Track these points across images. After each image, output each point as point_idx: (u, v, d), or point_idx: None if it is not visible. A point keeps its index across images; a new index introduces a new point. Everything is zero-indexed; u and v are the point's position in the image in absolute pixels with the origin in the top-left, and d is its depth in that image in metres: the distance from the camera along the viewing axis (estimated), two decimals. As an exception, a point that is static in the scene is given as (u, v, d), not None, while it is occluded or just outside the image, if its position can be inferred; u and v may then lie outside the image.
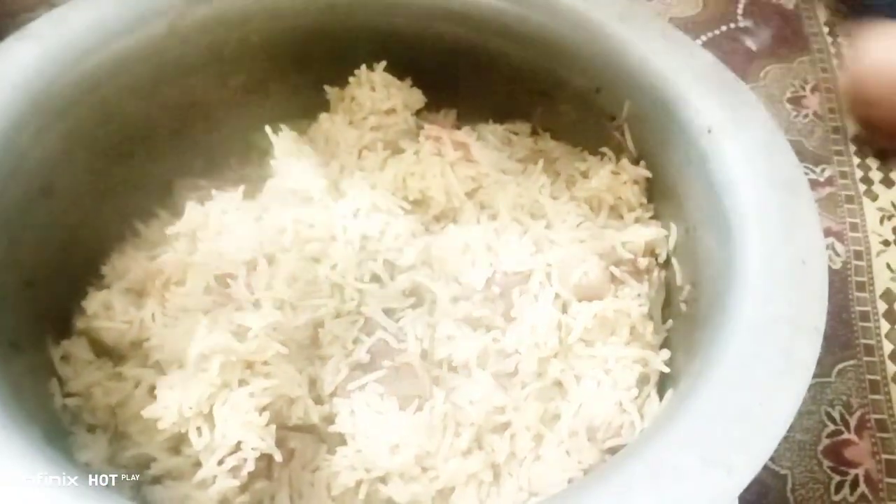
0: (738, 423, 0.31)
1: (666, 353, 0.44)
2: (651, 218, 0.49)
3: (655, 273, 0.46)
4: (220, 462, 0.39)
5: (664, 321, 0.47)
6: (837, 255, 0.65)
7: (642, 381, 0.43)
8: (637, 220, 0.49)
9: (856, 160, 0.72)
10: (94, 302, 0.45)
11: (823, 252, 0.37)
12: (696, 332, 0.40)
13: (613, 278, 0.45)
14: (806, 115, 0.75)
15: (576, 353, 0.44)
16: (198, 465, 0.41)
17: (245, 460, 0.39)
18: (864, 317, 0.61)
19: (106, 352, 0.46)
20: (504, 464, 0.42)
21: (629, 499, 0.29)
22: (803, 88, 0.77)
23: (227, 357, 0.40)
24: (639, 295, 0.45)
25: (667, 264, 0.48)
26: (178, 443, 0.42)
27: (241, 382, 0.41)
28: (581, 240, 0.46)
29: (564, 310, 0.45)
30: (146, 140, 0.51)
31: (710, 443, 0.31)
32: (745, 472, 0.30)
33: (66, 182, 0.46)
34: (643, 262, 0.45)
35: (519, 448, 0.42)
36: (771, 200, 0.40)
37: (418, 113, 0.55)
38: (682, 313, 0.45)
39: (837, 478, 0.53)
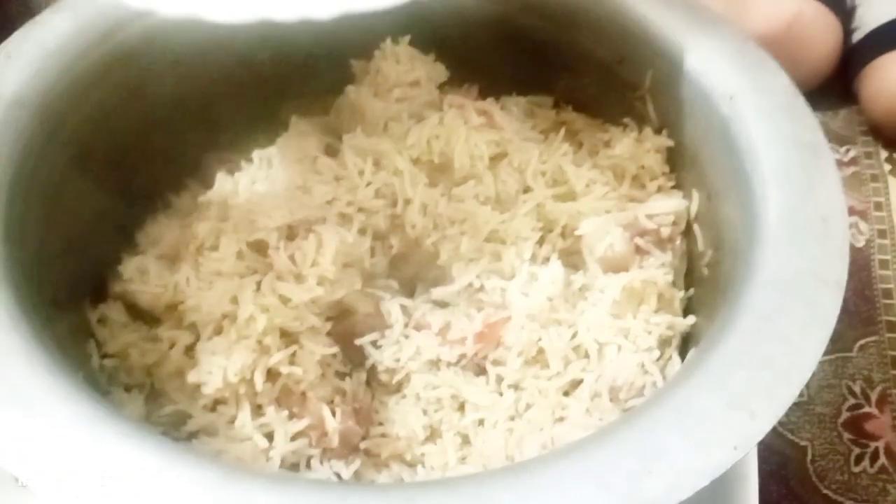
0: (762, 371, 0.32)
1: (692, 319, 0.45)
2: (673, 187, 0.50)
3: (678, 241, 0.46)
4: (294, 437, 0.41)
5: (686, 289, 0.48)
6: (861, 233, 0.66)
7: (664, 343, 0.44)
8: (659, 189, 0.50)
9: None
10: (129, 267, 0.47)
11: (844, 210, 0.38)
12: (719, 293, 0.41)
13: (638, 249, 0.46)
14: (831, 97, 0.76)
15: (605, 324, 0.44)
16: (232, 421, 0.42)
17: (326, 434, 0.40)
18: (887, 294, 0.63)
19: (140, 315, 0.47)
20: (527, 425, 0.43)
21: (654, 439, 0.30)
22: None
23: (271, 322, 0.41)
24: (663, 264, 0.46)
25: (688, 231, 0.48)
26: (215, 402, 0.43)
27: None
28: (607, 210, 0.47)
29: (592, 283, 0.46)
30: (176, 112, 0.52)
31: (734, 389, 0.32)
32: (769, 416, 0.31)
33: (102, 150, 0.48)
34: (666, 231, 0.46)
35: (539, 417, 0.43)
36: (792, 162, 0.40)
37: (441, 87, 0.56)
38: (704, 278, 0.46)
39: (857, 450, 0.54)
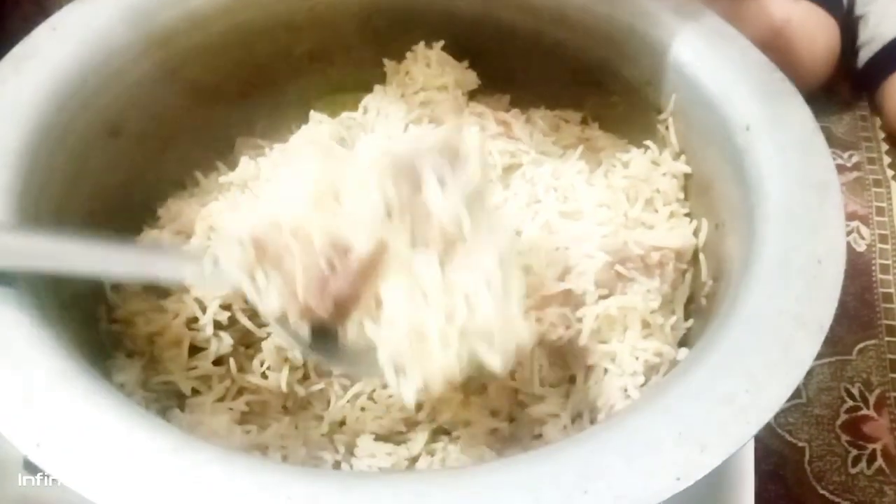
0: (722, 406, 0.31)
1: (684, 352, 0.44)
2: (686, 214, 0.49)
3: (670, 266, 0.45)
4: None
5: (686, 318, 0.47)
6: (862, 238, 0.67)
7: (651, 369, 0.43)
8: (672, 215, 0.49)
9: (884, 146, 0.74)
10: (146, 239, 0.49)
11: (842, 254, 0.37)
12: (709, 325, 0.40)
13: (620, 275, 0.45)
14: (836, 102, 0.77)
15: (590, 349, 0.44)
16: (219, 399, 0.44)
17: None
18: (888, 298, 0.63)
19: (153, 286, 0.49)
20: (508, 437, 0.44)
21: (598, 459, 0.30)
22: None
23: None
24: (648, 290, 0.45)
25: (695, 260, 0.48)
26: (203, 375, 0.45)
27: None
28: (603, 235, 0.46)
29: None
30: (212, 96, 0.55)
31: (689, 421, 0.31)
32: (719, 452, 0.30)
33: (133, 127, 0.50)
34: (655, 257, 0.45)
35: (519, 431, 0.43)
36: (797, 200, 0.39)
37: (472, 95, 0.56)
38: (702, 309, 0.45)
39: (855, 451, 0.55)
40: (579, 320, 0.43)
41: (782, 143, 0.42)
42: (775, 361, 0.33)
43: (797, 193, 0.39)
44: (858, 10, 0.79)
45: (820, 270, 0.36)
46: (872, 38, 0.77)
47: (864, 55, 0.78)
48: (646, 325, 0.43)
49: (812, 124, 0.43)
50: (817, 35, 0.72)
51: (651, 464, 0.30)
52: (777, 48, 0.67)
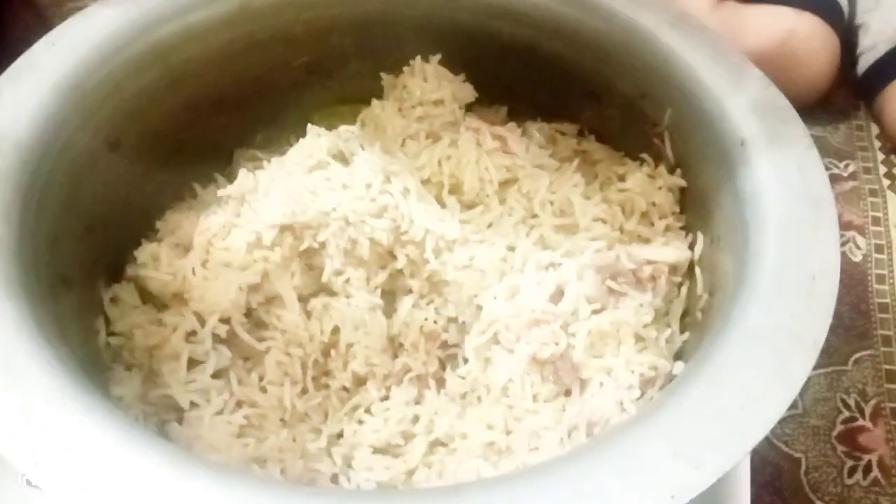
0: (716, 423, 0.32)
1: (680, 365, 0.45)
2: (681, 228, 0.49)
3: (662, 280, 0.46)
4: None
5: (682, 331, 0.47)
6: (858, 248, 0.67)
7: (646, 382, 0.43)
8: (668, 229, 0.49)
9: (880, 156, 0.74)
10: (144, 252, 0.49)
11: (836, 270, 0.37)
12: (704, 340, 0.40)
13: (611, 291, 0.45)
14: (832, 112, 0.77)
15: (584, 363, 0.44)
16: (218, 413, 0.44)
17: None
18: (883, 308, 0.63)
19: (151, 299, 0.49)
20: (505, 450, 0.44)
21: (593, 477, 0.30)
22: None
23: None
24: (641, 305, 0.45)
25: (691, 274, 0.48)
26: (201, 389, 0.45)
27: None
28: (597, 250, 0.46)
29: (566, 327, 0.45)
30: (211, 108, 0.55)
31: (684, 438, 0.31)
32: (715, 469, 0.30)
33: (132, 140, 0.50)
34: (647, 271, 0.45)
35: (516, 444, 0.44)
36: (793, 216, 0.39)
37: (469, 108, 0.57)
38: (697, 322, 0.45)
39: (851, 462, 0.55)
40: (572, 335, 0.43)
41: (777, 159, 0.42)
42: (770, 376, 0.33)
43: (792, 209, 0.40)
44: (859, 19, 0.79)
45: (814, 286, 0.36)
46: (874, 44, 0.77)
47: (865, 62, 0.78)
48: (639, 338, 0.43)
49: (807, 139, 0.43)
50: (819, 48, 0.73)
51: (645, 482, 0.30)
52: (780, 60, 0.67)
